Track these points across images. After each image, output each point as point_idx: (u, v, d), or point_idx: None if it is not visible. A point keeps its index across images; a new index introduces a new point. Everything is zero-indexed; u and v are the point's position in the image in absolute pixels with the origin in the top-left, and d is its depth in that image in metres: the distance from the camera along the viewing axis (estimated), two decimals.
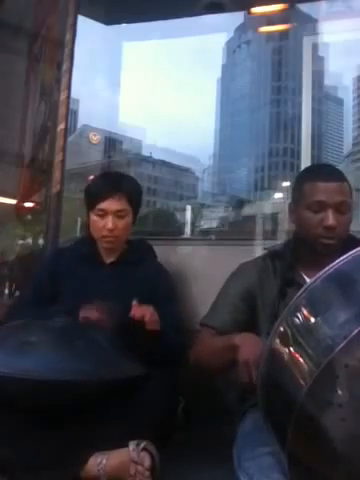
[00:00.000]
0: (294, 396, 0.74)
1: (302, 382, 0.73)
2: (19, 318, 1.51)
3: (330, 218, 1.26)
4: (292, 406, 0.74)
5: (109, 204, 1.56)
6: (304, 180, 1.34)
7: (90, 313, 1.43)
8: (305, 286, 0.79)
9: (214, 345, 1.25)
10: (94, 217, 1.59)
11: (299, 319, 0.77)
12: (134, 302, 1.40)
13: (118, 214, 1.57)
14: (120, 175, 1.72)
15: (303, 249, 1.36)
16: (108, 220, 1.56)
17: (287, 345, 0.78)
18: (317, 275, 0.78)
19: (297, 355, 0.76)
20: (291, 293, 1.21)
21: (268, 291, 1.32)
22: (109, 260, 1.65)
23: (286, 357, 0.77)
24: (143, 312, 1.38)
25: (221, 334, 1.30)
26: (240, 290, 1.37)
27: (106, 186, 1.60)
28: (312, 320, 0.77)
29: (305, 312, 0.77)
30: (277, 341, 0.80)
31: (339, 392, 0.72)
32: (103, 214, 1.57)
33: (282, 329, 0.79)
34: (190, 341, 1.61)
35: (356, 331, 0.70)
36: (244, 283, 1.38)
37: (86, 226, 1.70)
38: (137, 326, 1.38)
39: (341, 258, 0.78)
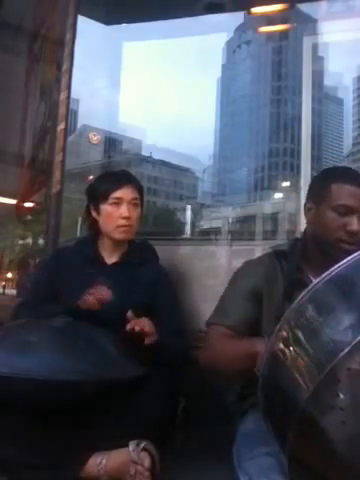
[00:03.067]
0: (296, 399, 0.74)
1: (304, 385, 0.73)
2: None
3: (355, 223, 1.24)
4: (293, 409, 0.74)
5: (124, 192, 1.59)
6: (331, 180, 1.30)
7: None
8: (307, 289, 0.78)
9: (233, 350, 1.20)
10: (108, 208, 1.59)
11: (301, 322, 0.77)
12: (129, 314, 1.39)
13: (133, 202, 1.60)
14: (125, 170, 1.78)
15: (314, 250, 1.33)
16: (124, 208, 1.58)
17: (289, 347, 0.77)
18: (319, 278, 0.78)
19: (299, 358, 0.75)
20: (297, 295, 1.21)
21: (274, 291, 1.30)
22: (111, 261, 1.64)
23: (288, 360, 0.77)
24: (141, 325, 1.37)
25: (232, 331, 1.27)
26: (247, 288, 1.35)
27: (118, 177, 1.65)
28: (315, 323, 0.76)
29: (307, 315, 0.77)
30: (279, 343, 0.79)
31: (341, 396, 0.71)
32: (119, 202, 1.58)
33: (284, 332, 0.79)
34: (192, 342, 1.62)
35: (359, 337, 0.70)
36: (251, 281, 1.35)
37: (89, 226, 1.69)
38: (134, 337, 1.37)
39: (343, 261, 0.78)
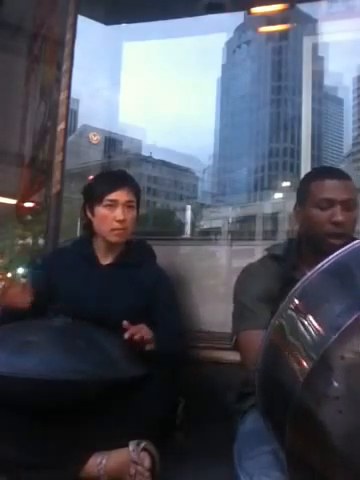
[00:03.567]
0: (291, 390, 0.74)
1: (299, 376, 0.73)
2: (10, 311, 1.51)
3: (338, 214, 1.28)
4: (289, 401, 0.74)
5: (119, 195, 1.57)
6: (310, 179, 1.36)
7: None
8: (301, 281, 0.79)
9: None
10: (102, 210, 1.58)
11: (295, 313, 0.78)
12: (125, 323, 1.36)
13: (128, 205, 1.58)
14: (123, 171, 1.77)
15: (308, 248, 1.36)
16: (118, 211, 1.56)
17: (284, 340, 0.78)
18: (312, 271, 0.79)
19: (293, 349, 0.76)
20: None
21: (277, 291, 1.31)
22: (106, 261, 1.64)
23: (283, 352, 0.78)
24: (140, 333, 1.36)
25: None
26: (261, 292, 1.34)
27: (114, 178, 1.63)
28: (307, 314, 0.77)
29: (300, 306, 0.78)
30: (274, 337, 0.80)
31: (335, 384, 0.71)
32: (113, 205, 1.57)
33: (279, 325, 0.79)
34: (190, 342, 1.62)
35: (349, 322, 0.70)
36: (262, 285, 1.35)
37: (84, 226, 1.69)
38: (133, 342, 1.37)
39: (336, 253, 0.79)
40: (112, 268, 1.62)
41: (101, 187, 1.60)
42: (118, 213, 1.56)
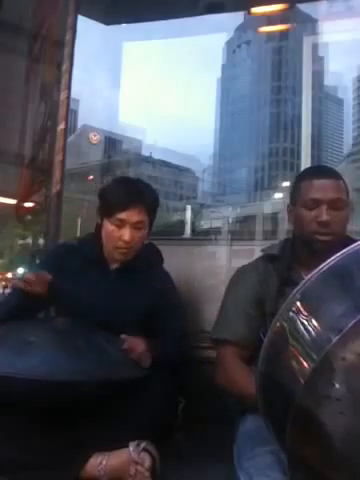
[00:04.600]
0: (292, 392, 0.74)
1: (300, 377, 0.73)
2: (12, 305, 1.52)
3: (324, 214, 1.28)
4: (290, 402, 0.74)
5: (129, 215, 1.50)
6: (301, 179, 1.37)
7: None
8: (301, 283, 0.79)
9: (247, 386, 1.11)
10: (110, 226, 1.52)
11: (296, 315, 0.78)
12: (122, 336, 1.38)
13: (136, 226, 1.52)
14: (140, 184, 1.66)
15: (301, 248, 1.37)
16: (125, 231, 1.50)
17: (285, 342, 0.78)
18: (313, 271, 0.79)
19: (294, 351, 0.76)
20: (289, 292, 1.22)
21: (271, 292, 1.32)
22: (115, 265, 1.60)
23: (284, 354, 0.78)
24: (135, 348, 1.38)
25: (241, 346, 1.31)
26: (248, 297, 1.37)
27: (127, 196, 1.53)
28: (308, 315, 0.77)
29: (301, 308, 0.78)
30: (275, 338, 0.80)
31: (337, 386, 0.71)
32: (121, 225, 1.51)
33: (279, 326, 0.79)
34: (193, 342, 1.62)
35: (351, 323, 0.70)
36: (251, 289, 1.37)
37: (96, 228, 1.61)
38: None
39: (336, 255, 0.79)
40: (121, 272, 1.58)
41: (114, 202, 1.53)
42: (125, 233, 1.50)
